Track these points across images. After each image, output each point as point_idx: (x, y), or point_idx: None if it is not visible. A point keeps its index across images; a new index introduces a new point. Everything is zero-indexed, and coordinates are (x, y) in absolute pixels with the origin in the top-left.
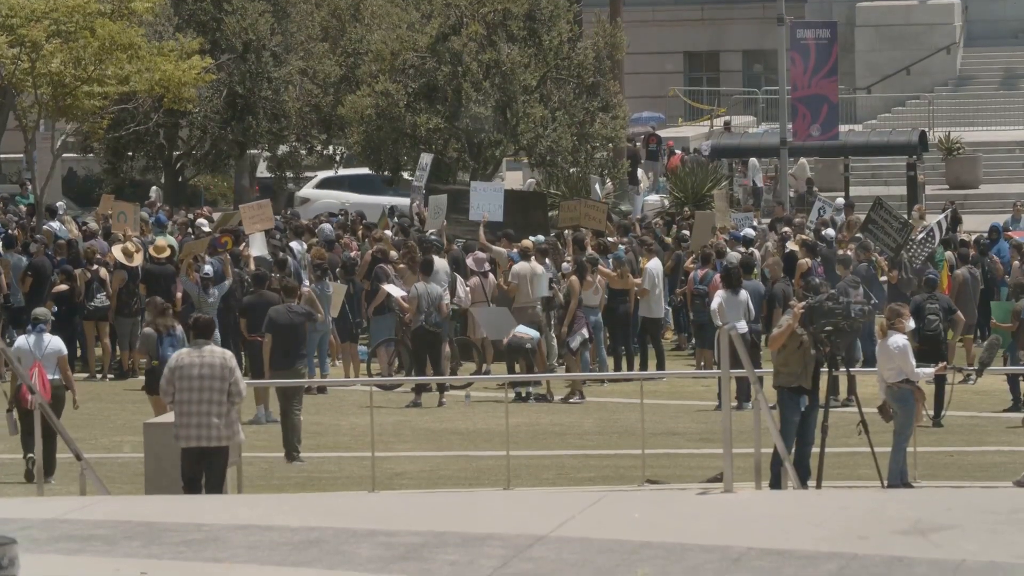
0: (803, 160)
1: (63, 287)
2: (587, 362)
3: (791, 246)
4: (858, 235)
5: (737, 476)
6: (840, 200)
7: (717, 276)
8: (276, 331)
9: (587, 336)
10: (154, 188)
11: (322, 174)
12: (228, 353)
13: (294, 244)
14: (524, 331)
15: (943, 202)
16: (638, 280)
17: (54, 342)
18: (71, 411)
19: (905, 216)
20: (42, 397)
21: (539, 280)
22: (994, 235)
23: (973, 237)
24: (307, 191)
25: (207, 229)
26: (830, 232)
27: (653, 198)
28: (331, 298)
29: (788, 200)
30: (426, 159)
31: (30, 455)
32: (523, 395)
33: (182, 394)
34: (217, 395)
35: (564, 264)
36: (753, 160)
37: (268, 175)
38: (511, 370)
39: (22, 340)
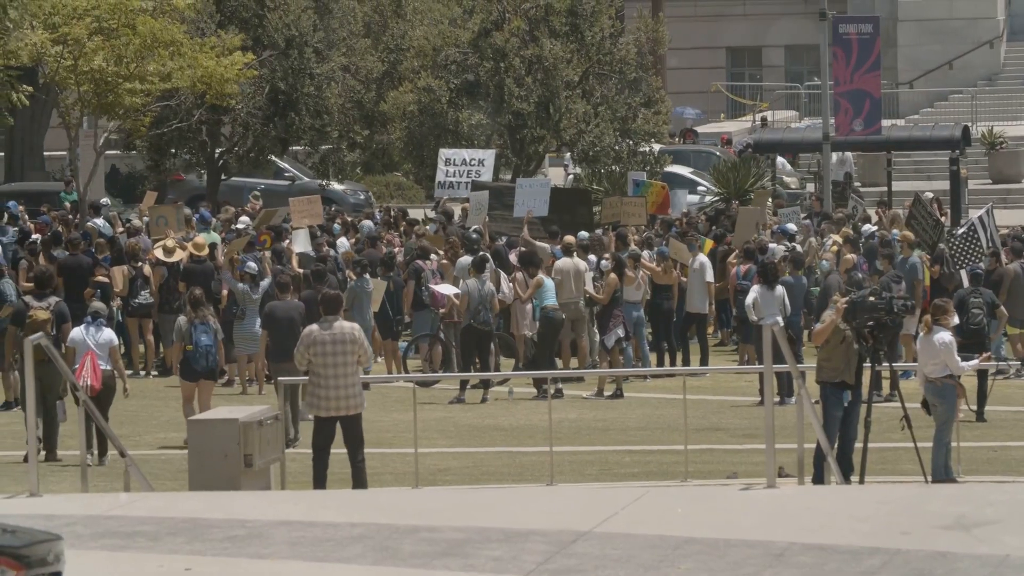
0: None
1: (102, 278)
2: (629, 358)
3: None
4: (895, 231)
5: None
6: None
7: None
8: (273, 325)
9: (622, 334)
10: (104, 201)
11: None
12: (356, 327)
13: (342, 240)
14: (554, 303)
15: (986, 197)
16: (683, 277)
17: (106, 333)
18: (115, 408)
19: (938, 213)
20: (85, 394)
21: (581, 277)
22: None
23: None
24: None
25: (241, 227)
26: (868, 227)
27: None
28: (371, 294)
29: (829, 196)
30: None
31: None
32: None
33: (316, 368)
34: (351, 367)
35: (603, 262)
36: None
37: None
38: (549, 355)
39: (77, 332)
